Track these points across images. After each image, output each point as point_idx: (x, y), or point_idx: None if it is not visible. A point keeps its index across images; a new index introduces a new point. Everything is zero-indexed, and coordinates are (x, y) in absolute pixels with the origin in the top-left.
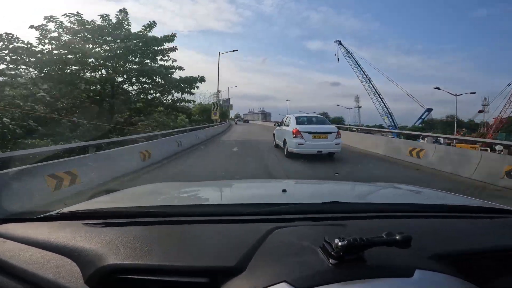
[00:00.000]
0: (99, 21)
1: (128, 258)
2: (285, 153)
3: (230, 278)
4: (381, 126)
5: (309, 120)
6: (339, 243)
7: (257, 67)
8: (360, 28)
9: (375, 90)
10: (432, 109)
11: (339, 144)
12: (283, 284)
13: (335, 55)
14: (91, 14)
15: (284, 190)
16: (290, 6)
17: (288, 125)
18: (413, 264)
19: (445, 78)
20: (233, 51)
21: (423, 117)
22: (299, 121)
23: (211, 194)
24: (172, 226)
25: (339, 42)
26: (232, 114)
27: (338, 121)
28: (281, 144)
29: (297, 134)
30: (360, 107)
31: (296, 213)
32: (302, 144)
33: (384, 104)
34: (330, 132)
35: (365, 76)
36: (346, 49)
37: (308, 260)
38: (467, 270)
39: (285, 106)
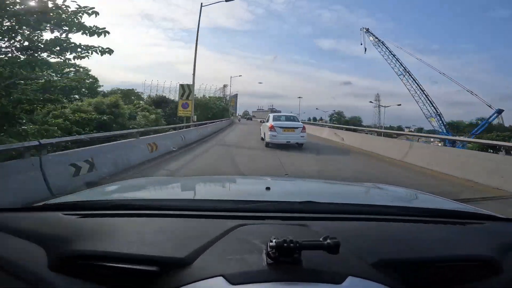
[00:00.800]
0: None
1: (90, 246)
2: (265, 143)
3: (177, 269)
4: (420, 130)
5: (283, 118)
6: (270, 243)
7: (267, 65)
8: (373, 27)
9: (418, 85)
10: (503, 110)
11: (304, 136)
12: (219, 278)
13: (361, 44)
14: None
15: (268, 188)
16: (302, 4)
17: (268, 122)
18: (347, 271)
19: (463, 78)
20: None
21: (489, 120)
22: (275, 118)
23: (188, 189)
24: (139, 219)
25: (367, 30)
26: (239, 110)
27: (355, 122)
28: (263, 136)
29: (272, 128)
30: (384, 106)
31: (268, 212)
32: (275, 136)
33: (430, 102)
34: (297, 128)
35: (403, 68)
36: (376, 38)
37: (250, 258)
38: (413, 280)
39: (295, 104)
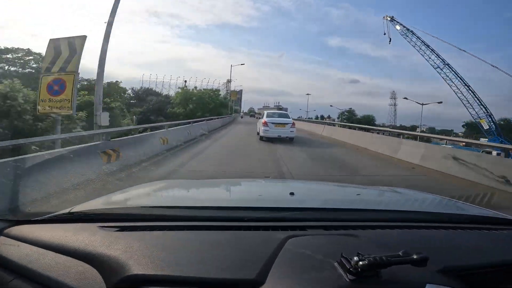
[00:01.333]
0: None
1: (149, 268)
2: (259, 137)
3: None
4: (433, 130)
5: (275, 115)
6: (360, 262)
7: (273, 63)
8: (381, 25)
9: (461, 80)
10: None
11: (293, 131)
12: None
13: (385, 34)
14: None
15: (292, 193)
16: (309, 1)
17: (262, 118)
18: (424, 279)
19: (476, 78)
20: None
21: None
22: (268, 115)
23: (220, 194)
24: (187, 233)
25: (392, 19)
26: (244, 107)
27: (368, 120)
28: (258, 131)
29: (265, 124)
30: (421, 104)
31: (308, 220)
32: (268, 130)
33: (478, 100)
34: (287, 123)
35: (440, 60)
36: (405, 26)
37: (327, 275)
38: (475, 284)
39: (302, 101)
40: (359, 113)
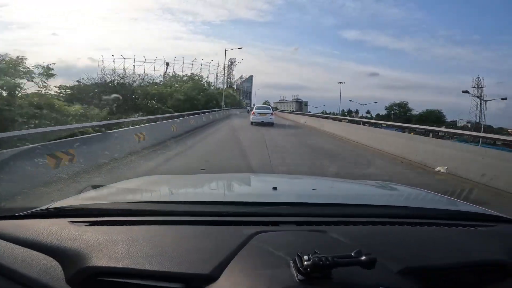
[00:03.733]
0: None
1: (109, 260)
2: (250, 122)
3: (203, 285)
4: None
5: (261, 108)
6: (305, 262)
7: (288, 57)
8: (402, 17)
9: None
10: None
11: (272, 118)
12: None
13: None
14: None
15: (275, 188)
16: None
17: (252, 110)
18: (377, 282)
19: (503, 71)
20: None
21: None
22: (256, 107)
23: (196, 190)
24: (153, 227)
25: None
26: (257, 100)
27: (436, 117)
28: (250, 119)
29: (253, 113)
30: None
31: (282, 215)
32: (255, 118)
33: None
34: (267, 113)
35: None
36: None
37: (279, 273)
38: (440, 284)
39: (321, 95)
40: (381, 108)
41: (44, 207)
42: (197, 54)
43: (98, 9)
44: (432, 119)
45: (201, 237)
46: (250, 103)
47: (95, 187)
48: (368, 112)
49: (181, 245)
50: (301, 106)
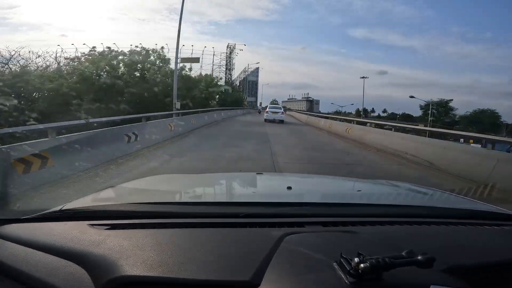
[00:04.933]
0: None
1: (138, 268)
2: (264, 120)
3: None
4: None
5: (274, 108)
6: (361, 264)
7: (296, 56)
8: (411, 15)
9: None
10: None
11: (283, 116)
12: None
13: None
14: None
15: (289, 187)
16: None
17: (266, 108)
18: (428, 280)
19: None
20: None
21: None
22: (269, 106)
23: (212, 190)
24: (179, 230)
25: None
26: (264, 100)
27: (493, 119)
28: (264, 117)
29: (266, 111)
30: None
31: (306, 216)
32: (268, 115)
33: None
34: (279, 112)
35: None
36: None
37: (325, 277)
38: (480, 284)
39: (328, 94)
40: (392, 106)
41: (57, 208)
42: (204, 54)
43: (106, 10)
44: (486, 121)
45: (229, 240)
46: (256, 102)
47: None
48: (384, 111)
49: (210, 250)
50: (312, 105)
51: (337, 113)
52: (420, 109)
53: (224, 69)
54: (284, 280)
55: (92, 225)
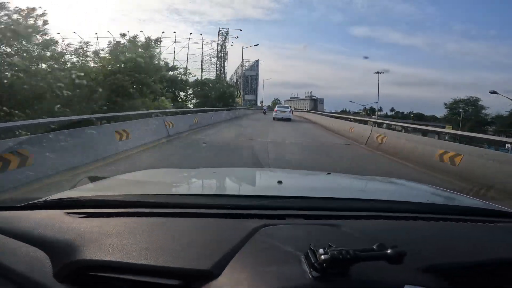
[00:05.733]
0: None
1: (100, 254)
2: (273, 118)
3: (203, 282)
4: None
5: (281, 106)
6: (322, 256)
7: (297, 55)
8: (412, 12)
9: None
10: None
11: (290, 114)
12: None
13: None
14: None
15: (280, 182)
16: None
17: (275, 108)
18: (402, 280)
19: None
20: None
21: None
22: (278, 106)
23: (200, 183)
24: (152, 219)
25: None
26: (262, 97)
27: None
28: (273, 115)
29: (275, 110)
30: None
31: (288, 209)
32: (277, 114)
33: None
34: (287, 111)
35: None
36: None
37: (289, 270)
38: (464, 284)
39: (330, 93)
40: (396, 105)
41: (42, 199)
42: (205, 54)
43: (106, 10)
44: None
45: (202, 230)
46: (256, 101)
47: (92, 178)
48: (392, 109)
49: (180, 239)
50: (316, 104)
51: (344, 112)
52: (445, 107)
53: (220, 63)
54: (245, 272)
55: (68, 213)
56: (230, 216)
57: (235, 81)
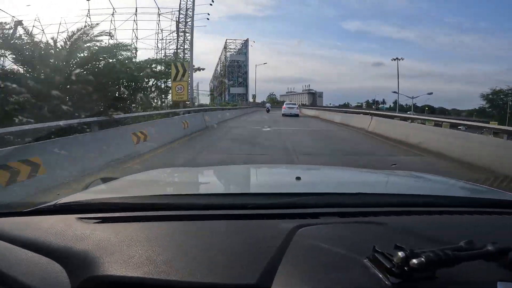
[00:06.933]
0: None
1: (123, 267)
2: (282, 114)
3: None
4: None
5: (289, 104)
6: (413, 260)
7: (292, 50)
8: (405, 6)
9: None
10: None
11: (297, 111)
12: None
13: None
14: None
15: (298, 178)
16: None
17: (283, 105)
18: (493, 277)
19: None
20: None
21: None
22: (286, 103)
23: (218, 181)
24: (174, 223)
25: None
26: (255, 90)
27: None
28: (282, 111)
29: (284, 107)
30: None
31: (320, 207)
32: (285, 110)
33: None
34: (294, 107)
35: None
36: None
37: (356, 277)
38: None
39: (325, 88)
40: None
41: (52, 202)
42: (197, 53)
43: (95, 10)
44: None
45: (231, 234)
46: (247, 95)
47: (104, 180)
48: (395, 102)
49: (210, 246)
50: (314, 98)
51: (345, 106)
52: (483, 99)
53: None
54: (299, 282)
55: (81, 218)
56: (259, 217)
57: (219, 71)
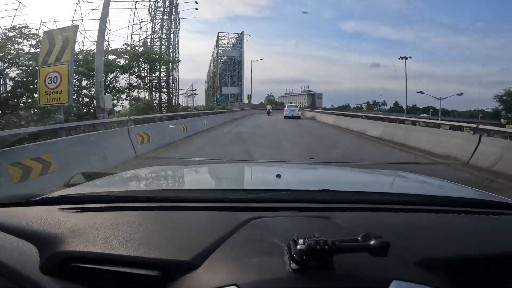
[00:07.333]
0: None
1: (84, 245)
2: (283, 116)
3: (182, 273)
4: None
5: (291, 106)
6: (298, 246)
7: (289, 51)
8: (401, 7)
9: None
10: None
11: (299, 113)
12: (232, 287)
13: None
14: None
15: (278, 176)
16: None
17: (285, 108)
18: (390, 274)
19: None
20: None
21: None
22: (288, 106)
23: (197, 178)
24: (143, 213)
25: None
26: (252, 90)
27: None
28: (284, 114)
29: (285, 109)
30: None
31: (282, 202)
32: (287, 112)
33: None
34: (295, 110)
35: None
36: None
37: (270, 261)
38: (462, 279)
39: (328, 89)
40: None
41: (40, 196)
42: (196, 54)
43: (92, 12)
44: None
45: (191, 223)
46: (241, 95)
47: (85, 174)
48: (396, 103)
49: (166, 231)
50: (314, 99)
51: (343, 108)
52: (497, 100)
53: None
54: (226, 263)
55: (62, 209)
56: (222, 209)
57: (212, 69)
